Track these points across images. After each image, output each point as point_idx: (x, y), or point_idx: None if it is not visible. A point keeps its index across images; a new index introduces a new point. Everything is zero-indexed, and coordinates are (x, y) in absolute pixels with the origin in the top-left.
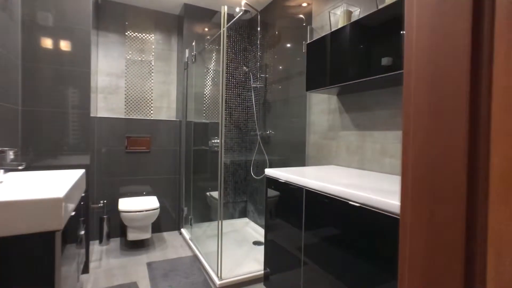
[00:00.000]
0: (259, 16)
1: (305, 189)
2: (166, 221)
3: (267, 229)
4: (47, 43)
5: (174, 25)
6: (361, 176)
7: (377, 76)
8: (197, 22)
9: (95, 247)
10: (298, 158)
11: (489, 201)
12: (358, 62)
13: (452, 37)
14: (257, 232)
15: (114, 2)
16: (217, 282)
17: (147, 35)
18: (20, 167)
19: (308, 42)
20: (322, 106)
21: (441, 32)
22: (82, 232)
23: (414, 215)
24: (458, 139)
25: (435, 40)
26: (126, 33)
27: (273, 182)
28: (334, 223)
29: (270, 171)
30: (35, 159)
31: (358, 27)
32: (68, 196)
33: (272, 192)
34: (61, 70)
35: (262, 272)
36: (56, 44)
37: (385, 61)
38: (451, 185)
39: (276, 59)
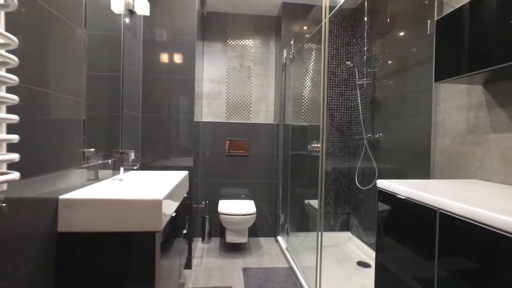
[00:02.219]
0: (366, 2)
1: (440, 212)
2: (263, 227)
3: (378, 251)
4: (163, 56)
5: (272, 27)
6: None
7: None
8: (295, 20)
9: (198, 244)
10: (419, 168)
11: None
12: None
13: None
14: (362, 250)
15: (217, 13)
16: None
17: (247, 40)
18: (135, 167)
19: (438, 18)
20: (458, 100)
21: None
22: (185, 231)
23: None
24: None
25: None
26: (227, 41)
27: (388, 197)
28: (488, 266)
29: (384, 183)
30: (150, 160)
31: None
32: (169, 196)
33: (384, 207)
34: (172, 79)
35: None
36: (169, 56)
37: None
38: None
39: (388, 50)
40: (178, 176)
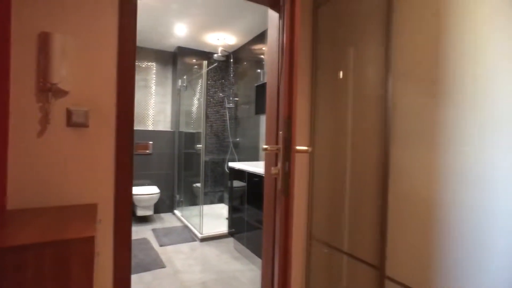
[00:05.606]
0: (232, 56)
1: (247, 172)
2: (163, 205)
3: (231, 203)
4: None
5: (170, 59)
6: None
7: None
8: (188, 58)
9: None
10: (255, 156)
11: None
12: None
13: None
14: None
15: None
16: (199, 235)
17: (150, 67)
18: None
19: (256, 84)
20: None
21: None
22: None
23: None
24: None
25: None
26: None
27: (233, 171)
28: (253, 185)
29: (232, 164)
30: None
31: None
32: None
33: (234, 177)
34: None
35: (228, 231)
36: None
37: None
38: None
39: (243, 88)
40: None
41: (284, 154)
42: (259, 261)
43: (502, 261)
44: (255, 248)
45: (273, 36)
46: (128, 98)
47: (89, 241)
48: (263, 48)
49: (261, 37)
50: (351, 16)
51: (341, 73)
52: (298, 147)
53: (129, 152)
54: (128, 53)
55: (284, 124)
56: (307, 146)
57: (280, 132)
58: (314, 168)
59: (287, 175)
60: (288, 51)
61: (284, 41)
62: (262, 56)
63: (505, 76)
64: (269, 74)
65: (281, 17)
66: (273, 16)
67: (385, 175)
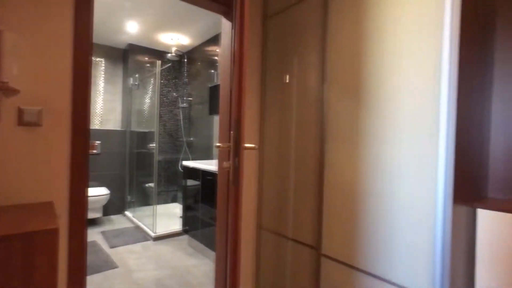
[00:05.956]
0: (185, 56)
1: (201, 170)
2: (113, 207)
3: (185, 201)
4: None
5: (120, 56)
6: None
7: None
8: (140, 56)
9: None
10: (208, 155)
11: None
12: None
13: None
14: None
15: None
16: (153, 234)
17: (98, 63)
18: None
19: (210, 85)
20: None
21: None
22: None
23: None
24: None
25: None
26: None
27: (188, 169)
28: (207, 183)
29: (185, 163)
30: None
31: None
32: None
33: (188, 176)
34: None
35: (182, 229)
36: None
37: None
38: None
39: (197, 88)
40: None
41: (234, 151)
42: (214, 255)
43: (405, 232)
44: (210, 243)
45: (226, 42)
46: (83, 97)
47: (54, 233)
48: (217, 50)
49: (215, 40)
50: (295, 28)
51: (287, 78)
52: (246, 145)
53: (85, 151)
54: (84, 50)
55: (234, 125)
56: (255, 144)
57: (232, 132)
58: (264, 163)
59: (237, 169)
60: (238, 63)
61: (235, 52)
62: (216, 58)
63: (410, 87)
64: (222, 77)
65: (233, 26)
66: (226, 23)
67: (321, 168)
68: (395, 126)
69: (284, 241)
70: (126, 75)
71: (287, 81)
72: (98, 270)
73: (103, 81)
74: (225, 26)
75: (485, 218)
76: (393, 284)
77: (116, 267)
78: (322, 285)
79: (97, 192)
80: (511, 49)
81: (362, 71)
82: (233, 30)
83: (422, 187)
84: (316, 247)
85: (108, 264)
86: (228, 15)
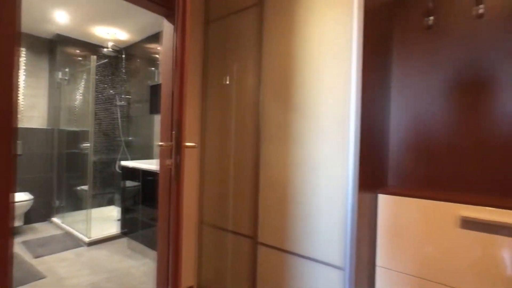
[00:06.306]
0: (124, 52)
1: (142, 170)
2: (37, 213)
3: (124, 203)
4: None
5: (45, 47)
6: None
7: None
8: (71, 48)
9: None
10: (148, 154)
11: None
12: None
13: None
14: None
15: None
16: (86, 240)
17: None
18: None
19: (151, 84)
20: None
21: None
22: None
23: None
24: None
25: None
26: None
27: (126, 170)
28: (147, 183)
29: (124, 163)
30: None
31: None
32: None
33: (127, 177)
34: None
35: (120, 231)
36: None
37: None
38: None
39: (137, 86)
40: None
41: (175, 149)
42: (154, 253)
43: (324, 216)
44: (151, 243)
45: (167, 43)
46: (7, 92)
47: None
48: (158, 48)
49: (155, 37)
50: (234, 34)
51: (227, 79)
52: (187, 144)
53: (9, 153)
54: (8, 37)
55: (176, 125)
56: (196, 143)
57: (173, 132)
58: (205, 161)
59: (179, 166)
60: (180, 67)
61: (177, 55)
62: (157, 56)
63: (328, 92)
64: (164, 76)
65: (175, 29)
66: (168, 25)
67: (257, 164)
68: (318, 128)
69: (224, 234)
70: (53, 68)
71: (227, 82)
72: (21, 283)
73: (24, 73)
74: (167, 27)
75: (383, 201)
76: (316, 260)
77: (43, 277)
78: (259, 271)
79: (20, 197)
80: (404, 60)
81: (291, 76)
82: (175, 34)
83: (337, 178)
84: (253, 237)
85: (33, 275)
86: (170, 17)
